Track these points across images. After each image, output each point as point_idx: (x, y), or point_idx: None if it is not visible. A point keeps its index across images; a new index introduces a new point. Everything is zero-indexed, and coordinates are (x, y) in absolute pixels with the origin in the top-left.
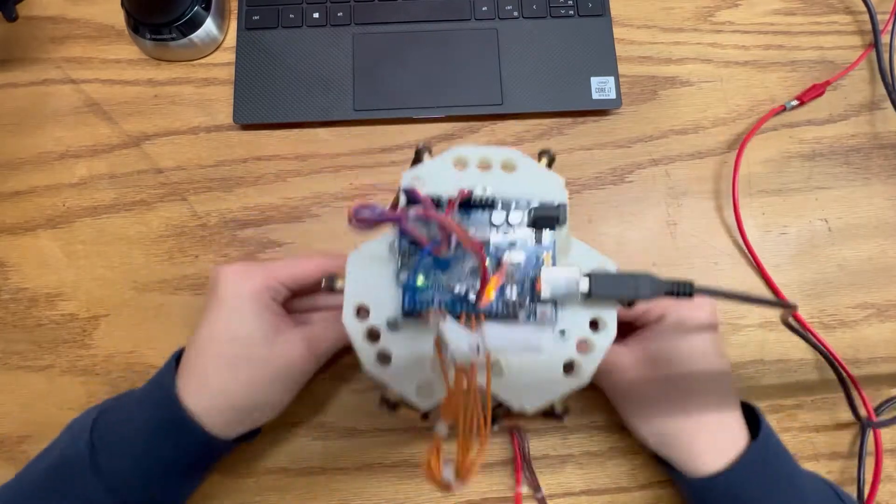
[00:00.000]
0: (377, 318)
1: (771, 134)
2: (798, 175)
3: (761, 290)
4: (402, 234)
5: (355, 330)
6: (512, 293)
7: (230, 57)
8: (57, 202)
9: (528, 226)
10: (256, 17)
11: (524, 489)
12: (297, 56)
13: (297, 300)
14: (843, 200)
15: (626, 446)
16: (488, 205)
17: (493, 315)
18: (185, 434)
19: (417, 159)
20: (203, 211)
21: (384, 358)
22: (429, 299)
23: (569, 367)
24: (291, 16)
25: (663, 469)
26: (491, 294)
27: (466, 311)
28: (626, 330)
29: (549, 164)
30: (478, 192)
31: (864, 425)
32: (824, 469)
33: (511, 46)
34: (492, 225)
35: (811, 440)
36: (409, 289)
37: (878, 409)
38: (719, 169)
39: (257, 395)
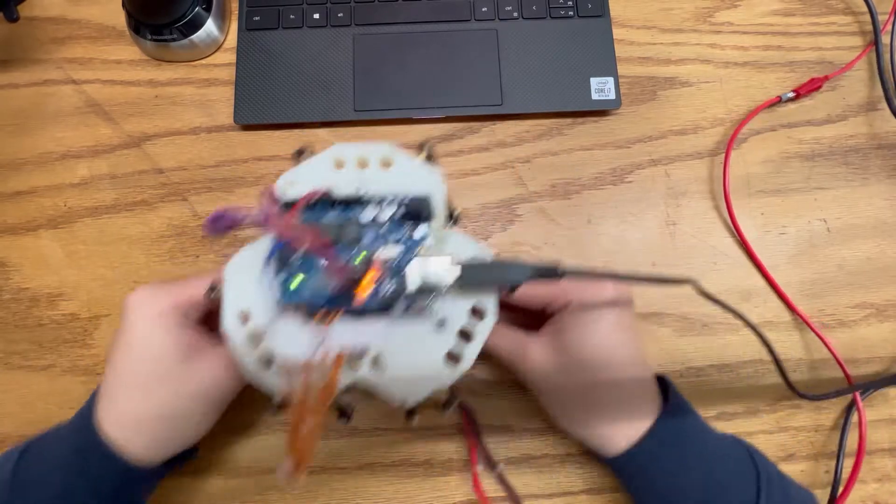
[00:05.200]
0: (259, 321)
1: (770, 134)
2: (797, 175)
3: (762, 290)
4: (275, 240)
5: (237, 334)
6: (388, 288)
7: (231, 58)
8: (58, 202)
9: (402, 220)
10: (257, 18)
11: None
12: (297, 56)
13: None
14: (841, 200)
15: None
16: (357, 202)
17: (370, 310)
18: (104, 462)
19: (296, 162)
20: (204, 211)
21: (268, 361)
22: (304, 298)
23: (452, 357)
24: (292, 16)
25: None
26: (365, 290)
27: (346, 308)
28: (540, 322)
29: (429, 157)
30: (339, 192)
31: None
32: (822, 468)
33: (511, 47)
34: (361, 224)
35: (809, 439)
36: (285, 288)
37: (864, 393)
38: (718, 169)
39: (175, 417)
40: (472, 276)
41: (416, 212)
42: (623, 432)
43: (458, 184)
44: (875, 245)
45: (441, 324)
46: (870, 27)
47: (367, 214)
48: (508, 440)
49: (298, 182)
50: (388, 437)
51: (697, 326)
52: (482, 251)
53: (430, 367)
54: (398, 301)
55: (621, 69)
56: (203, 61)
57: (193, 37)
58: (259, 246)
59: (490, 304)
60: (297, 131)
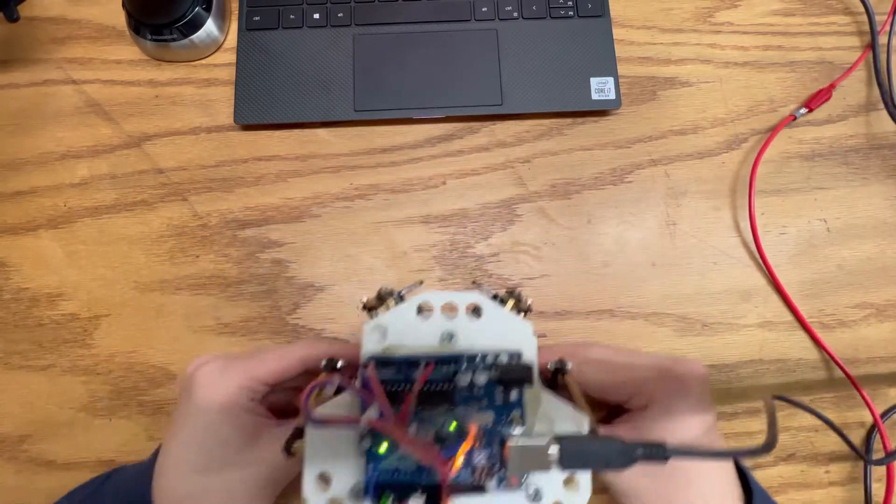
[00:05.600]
0: (340, 489)
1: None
2: (797, 175)
3: (762, 290)
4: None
5: (316, 501)
6: (481, 458)
7: (231, 58)
8: (58, 202)
9: (495, 382)
10: (257, 18)
11: None
12: (297, 57)
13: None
14: (841, 201)
15: None
16: (450, 361)
17: (460, 484)
18: None
19: (380, 301)
20: (204, 211)
21: None
22: (392, 468)
23: None
24: (292, 16)
25: None
26: (458, 463)
27: (429, 482)
28: (615, 413)
29: (516, 306)
30: (425, 348)
31: (866, 463)
32: (823, 469)
33: (511, 47)
34: (456, 387)
35: (810, 440)
36: (372, 457)
37: (885, 415)
38: (719, 169)
39: (238, 500)
40: (573, 461)
41: (511, 380)
42: None
43: (458, 184)
44: (875, 245)
45: (535, 497)
46: (869, 27)
47: (463, 379)
48: None
49: (386, 328)
50: None
51: (697, 326)
52: (578, 417)
53: None
54: (492, 474)
55: (621, 69)
56: (203, 61)
57: (193, 37)
58: (341, 402)
59: (585, 479)
60: (296, 131)
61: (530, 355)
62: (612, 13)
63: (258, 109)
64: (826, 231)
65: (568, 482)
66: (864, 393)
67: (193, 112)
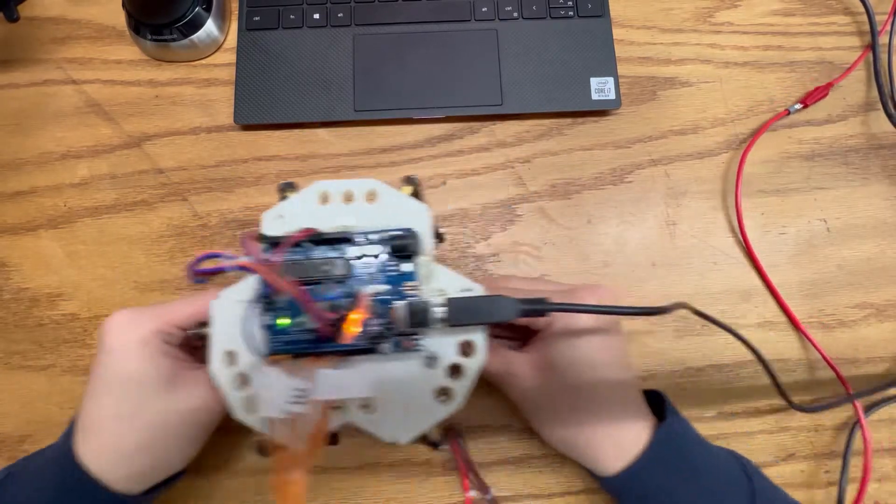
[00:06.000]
0: (245, 364)
1: (769, 134)
2: (797, 175)
3: (762, 290)
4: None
5: (223, 376)
6: (376, 326)
7: (231, 58)
8: (58, 202)
9: (389, 256)
10: (257, 18)
11: (473, 493)
12: (297, 57)
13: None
14: (841, 201)
15: None
16: (344, 240)
17: (357, 350)
18: (86, 496)
19: (282, 197)
20: (204, 211)
21: (254, 404)
22: (293, 339)
23: (442, 393)
24: (292, 16)
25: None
26: (352, 329)
27: (332, 350)
28: (526, 335)
29: (415, 192)
30: (326, 229)
31: (791, 407)
32: (822, 468)
33: (511, 47)
34: (348, 261)
35: (809, 440)
36: (271, 330)
37: (868, 411)
38: (718, 169)
39: (158, 446)
40: (460, 314)
41: (400, 247)
42: (615, 452)
43: (459, 184)
44: (875, 245)
45: (431, 360)
46: (869, 27)
47: (354, 251)
48: (508, 439)
49: (285, 216)
50: None
51: (697, 327)
52: (470, 286)
53: (422, 405)
54: (387, 340)
55: (621, 69)
56: (203, 61)
57: (193, 37)
58: (246, 285)
59: (480, 339)
60: (296, 131)
61: (426, 232)
62: (612, 13)
63: (258, 109)
64: (826, 231)
65: (463, 348)
66: (850, 386)
67: (193, 112)
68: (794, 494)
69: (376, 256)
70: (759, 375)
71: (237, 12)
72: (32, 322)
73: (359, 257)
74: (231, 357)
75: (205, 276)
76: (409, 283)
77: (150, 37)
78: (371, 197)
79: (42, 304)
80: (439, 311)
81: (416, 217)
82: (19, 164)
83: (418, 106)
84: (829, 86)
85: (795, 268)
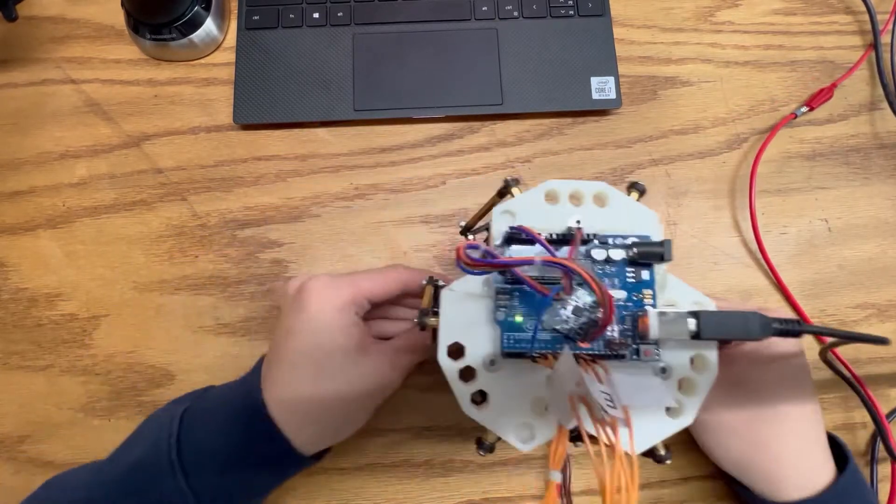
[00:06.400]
0: (473, 358)
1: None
2: (798, 175)
3: (763, 290)
4: (514, 278)
5: (450, 369)
6: (615, 332)
7: (230, 57)
8: (57, 202)
9: (629, 262)
10: (256, 18)
11: None
12: (297, 56)
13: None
14: (843, 200)
15: None
16: (585, 241)
17: (595, 354)
18: (271, 445)
19: (505, 191)
20: (203, 211)
21: (480, 398)
22: (527, 338)
23: (670, 407)
24: (291, 16)
25: (735, 487)
26: (597, 332)
27: (568, 350)
28: None
29: (640, 197)
30: (586, 230)
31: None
32: None
33: (511, 46)
34: (593, 261)
35: None
36: (507, 327)
37: (890, 416)
38: (719, 169)
39: (341, 413)
40: (711, 329)
41: (647, 255)
42: (798, 482)
43: (459, 183)
44: (876, 245)
45: (663, 372)
46: (871, 26)
47: (598, 254)
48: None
49: (514, 212)
50: (388, 437)
51: None
52: (702, 299)
53: (654, 417)
54: (626, 346)
55: (622, 68)
56: (202, 61)
57: (193, 36)
58: (474, 279)
59: (711, 355)
60: (296, 131)
61: (658, 238)
62: (613, 12)
63: (257, 109)
64: (827, 231)
65: (694, 363)
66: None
67: (192, 112)
68: None
69: (616, 261)
70: None
71: (236, 11)
72: (31, 322)
73: (606, 260)
74: (457, 350)
75: (476, 269)
76: (647, 291)
77: (149, 36)
78: (599, 200)
79: (41, 305)
80: (691, 324)
81: (648, 224)
82: (18, 163)
83: (418, 105)
84: (833, 87)
85: (796, 268)
